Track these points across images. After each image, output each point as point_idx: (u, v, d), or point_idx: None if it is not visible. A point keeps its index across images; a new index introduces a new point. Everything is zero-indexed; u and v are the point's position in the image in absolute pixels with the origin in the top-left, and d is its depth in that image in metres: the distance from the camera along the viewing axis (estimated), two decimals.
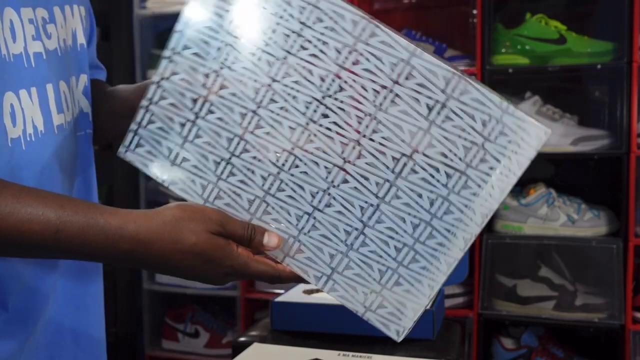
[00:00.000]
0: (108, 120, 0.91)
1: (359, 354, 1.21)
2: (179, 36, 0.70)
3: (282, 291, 1.53)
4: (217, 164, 0.71)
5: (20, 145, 0.71)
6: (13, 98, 0.70)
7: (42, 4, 0.76)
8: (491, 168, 0.66)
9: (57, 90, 0.77)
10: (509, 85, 2.09)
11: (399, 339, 0.72)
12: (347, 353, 1.21)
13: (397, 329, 0.71)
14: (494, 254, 1.95)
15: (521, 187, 2.01)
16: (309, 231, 0.70)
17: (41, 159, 0.74)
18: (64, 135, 0.78)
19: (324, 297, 1.51)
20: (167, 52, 0.70)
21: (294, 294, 1.50)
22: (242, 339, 1.40)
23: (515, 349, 1.97)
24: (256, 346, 1.27)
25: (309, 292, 1.54)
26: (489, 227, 1.98)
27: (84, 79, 0.85)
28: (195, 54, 0.70)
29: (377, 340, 1.35)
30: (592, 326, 1.87)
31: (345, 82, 0.67)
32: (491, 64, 1.95)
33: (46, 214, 0.63)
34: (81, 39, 0.84)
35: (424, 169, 0.67)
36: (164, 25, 2.31)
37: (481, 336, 1.96)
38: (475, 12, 1.99)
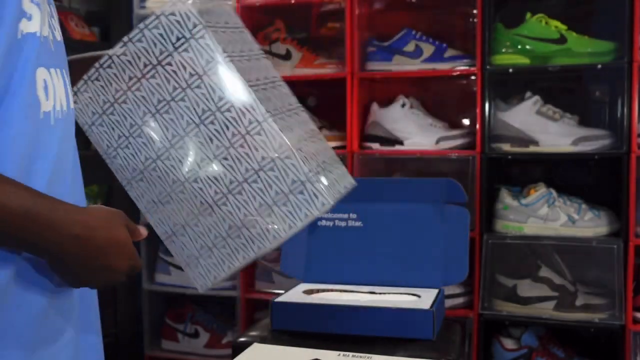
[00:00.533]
0: None
1: (359, 354, 1.20)
2: (139, 31, 0.89)
3: (282, 291, 1.53)
4: (120, 137, 0.95)
5: (49, 119, 0.78)
6: (46, 74, 0.77)
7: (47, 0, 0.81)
8: (289, 212, 0.89)
9: (65, 77, 0.83)
10: (509, 85, 2.09)
11: (201, 290, 0.99)
12: (347, 353, 1.21)
13: (200, 285, 0.98)
14: (494, 254, 1.95)
15: (521, 187, 2.01)
16: (163, 204, 0.96)
17: (62, 136, 0.81)
18: (73, 118, 0.85)
19: (323, 298, 1.51)
20: (125, 38, 0.90)
21: (294, 295, 1.50)
22: (242, 339, 1.40)
23: (515, 349, 1.97)
24: (256, 346, 1.27)
25: (309, 292, 1.54)
26: (489, 227, 1.98)
27: (67, 76, 0.89)
28: (144, 48, 0.89)
29: (377, 341, 1.35)
30: (593, 326, 1.87)
31: (221, 121, 0.89)
32: (491, 64, 1.95)
33: (21, 193, 0.71)
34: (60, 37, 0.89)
35: (234, 205, 0.92)
36: None
37: (481, 336, 1.95)
38: (475, 12, 1.99)
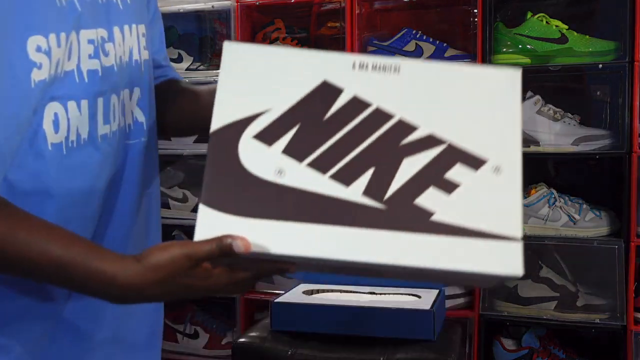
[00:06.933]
0: (175, 115, 1.01)
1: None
2: None
3: (282, 292, 1.52)
4: None
5: (61, 150, 0.79)
6: (59, 108, 0.79)
7: (103, 25, 0.84)
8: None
9: (107, 103, 0.84)
10: None
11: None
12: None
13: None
14: None
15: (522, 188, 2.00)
16: None
17: (82, 164, 0.82)
18: (108, 144, 0.85)
19: (323, 298, 1.50)
20: None
21: (294, 295, 1.49)
22: (242, 339, 1.39)
23: (516, 350, 1.96)
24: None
25: (309, 292, 1.53)
26: None
27: (137, 92, 0.92)
28: None
29: (377, 341, 1.35)
30: (594, 327, 1.86)
31: None
32: (492, 63, 1.94)
33: (55, 252, 0.71)
34: (136, 56, 0.91)
35: None
36: (164, 24, 2.29)
37: (482, 337, 1.95)
38: (476, 11, 1.98)
